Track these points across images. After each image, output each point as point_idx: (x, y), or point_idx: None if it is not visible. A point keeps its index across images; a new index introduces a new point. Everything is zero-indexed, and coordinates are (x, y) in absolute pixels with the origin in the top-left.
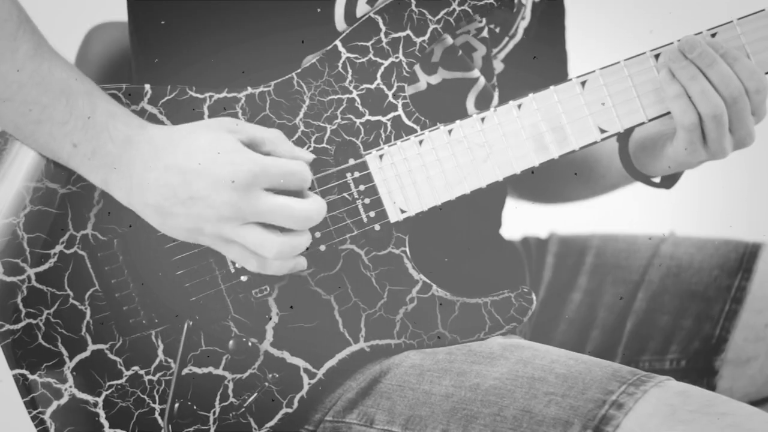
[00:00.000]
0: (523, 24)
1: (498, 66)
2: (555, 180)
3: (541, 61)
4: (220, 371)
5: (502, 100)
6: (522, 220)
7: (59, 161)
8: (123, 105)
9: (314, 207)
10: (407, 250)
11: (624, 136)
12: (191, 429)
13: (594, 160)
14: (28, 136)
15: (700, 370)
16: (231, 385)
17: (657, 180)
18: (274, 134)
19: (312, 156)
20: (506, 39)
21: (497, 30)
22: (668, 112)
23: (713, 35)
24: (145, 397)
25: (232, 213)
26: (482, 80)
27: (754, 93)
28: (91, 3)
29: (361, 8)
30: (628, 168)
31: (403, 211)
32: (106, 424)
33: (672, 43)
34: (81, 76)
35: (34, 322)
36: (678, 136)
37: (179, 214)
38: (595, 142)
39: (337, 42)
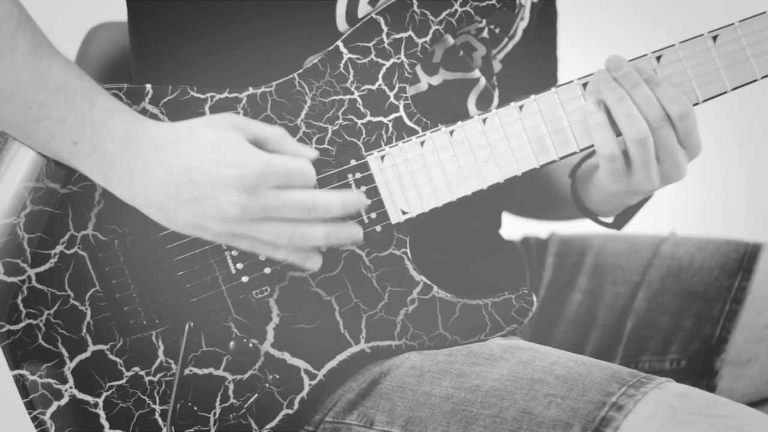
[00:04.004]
0: (522, 25)
1: (496, 66)
2: (533, 201)
3: (539, 61)
4: (220, 372)
5: (501, 101)
6: (522, 220)
7: (61, 160)
8: (124, 104)
9: (320, 196)
10: (408, 251)
11: (573, 174)
12: (192, 430)
13: (554, 193)
14: (30, 136)
15: (700, 370)
16: (232, 386)
17: (607, 220)
18: (279, 132)
19: (316, 153)
20: (506, 40)
21: (497, 31)
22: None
23: (715, 38)
24: (145, 397)
25: (239, 212)
26: (483, 81)
27: (677, 119)
28: (91, 3)
29: (363, 9)
30: (578, 205)
31: (404, 213)
32: (106, 424)
33: (673, 44)
34: (80, 73)
35: (34, 322)
36: (600, 167)
37: (183, 212)
38: None
39: (339, 42)
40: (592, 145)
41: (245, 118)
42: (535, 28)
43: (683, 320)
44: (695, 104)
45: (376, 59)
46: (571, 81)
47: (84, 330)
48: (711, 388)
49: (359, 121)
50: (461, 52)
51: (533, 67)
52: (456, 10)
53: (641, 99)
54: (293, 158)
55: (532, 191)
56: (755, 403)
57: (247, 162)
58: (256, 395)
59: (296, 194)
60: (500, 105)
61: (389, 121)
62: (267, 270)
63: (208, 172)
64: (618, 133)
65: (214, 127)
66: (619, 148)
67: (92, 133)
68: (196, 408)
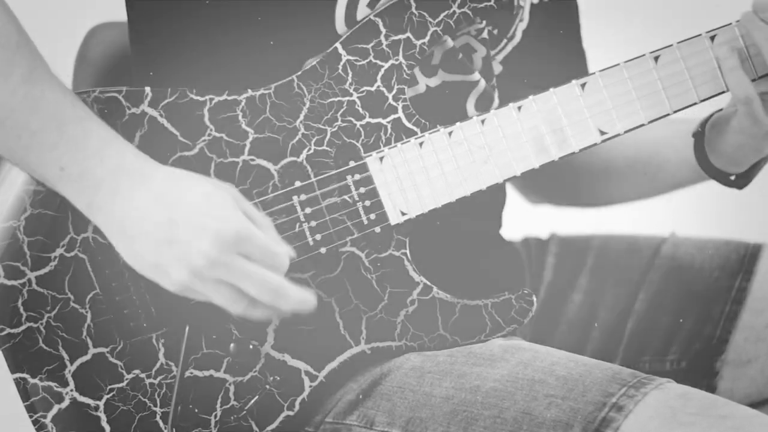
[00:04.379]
0: (521, 26)
1: (496, 68)
2: (613, 183)
3: (540, 63)
4: (221, 374)
5: (501, 102)
6: (522, 220)
7: (47, 185)
8: (123, 120)
9: (284, 284)
10: (408, 252)
11: (699, 133)
12: None
13: (663, 159)
14: (19, 160)
15: (701, 370)
16: (232, 388)
17: (732, 178)
18: (267, 221)
19: (294, 254)
20: (504, 41)
21: (495, 32)
22: (666, 114)
23: (712, 38)
24: (146, 400)
25: (204, 264)
26: (483, 83)
27: None
28: (91, 3)
29: (362, 11)
30: (702, 164)
31: (403, 214)
32: (107, 427)
33: (671, 45)
34: (75, 101)
35: (34, 325)
36: (738, 111)
37: (151, 251)
38: (595, 144)
39: (338, 44)
40: (592, 146)
41: (242, 195)
42: (541, 30)
43: (683, 321)
44: (694, 104)
45: (374, 61)
46: (571, 82)
47: (84, 333)
48: (711, 389)
49: (358, 123)
50: (460, 55)
51: (537, 70)
52: (454, 12)
53: None
54: (273, 241)
55: (615, 169)
56: (756, 404)
57: (230, 220)
58: (257, 397)
59: (264, 271)
60: (499, 106)
61: (388, 122)
62: None
63: (189, 218)
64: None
65: (212, 184)
66: (753, 90)
67: (83, 159)
68: (196, 410)
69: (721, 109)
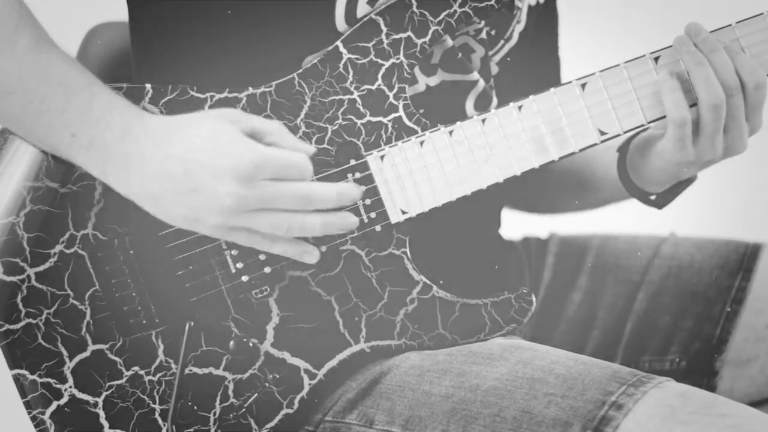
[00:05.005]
0: (518, 27)
1: (493, 69)
2: (550, 192)
3: (536, 64)
4: (220, 372)
5: (499, 103)
6: (522, 220)
7: (58, 153)
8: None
9: (316, 187)
10: (408, 251)
11: (624, 147)
12: (191, 429)
13: (590, 172)
14: (29, 130)
15: (701, 370)
16: (231, 386)
17: (651, 197)
18: (276, 126)
19: (314, 149)
20: (501, 42)
21: (492, 33)
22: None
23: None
24: (145, 397)
25: (235, 203)
26: (481, 83)
27: (752, 89)
28: (91, 3)
29: (362, 9)
30: (623, 180)
31: (403, 212)
32: (106, 424)
33: (671, 46)
34: (80, 68)
35: (33, 321)
36: (668, 133)
37: (179, 204)
38: (595, 144)
39: (339, 43)
40: (592, 146)
41: (242, 112)
42: (536, 31)
43: (683, 320)
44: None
45: (375, 59)
46: (570, 81)
47: (83, 329)
48: (711, 388)
49: (359, 121)
50: (460, 54)
51: (534, 71)
52: (455, 11)
53: (719, 64)
54: (289, 152)
55: (551, 178)
56: (756, 403)
57: (243, 153)
58: (256, 395)
59: (292, 185)
60: (499, 106)
61: (389, 121)
62: (267, 269)
63: (204, 163)
64: (690, 103)
65: (211, 120)
66: (690, 114)
67: (90, 126)
68: (196, 407)
69: (648, 127)
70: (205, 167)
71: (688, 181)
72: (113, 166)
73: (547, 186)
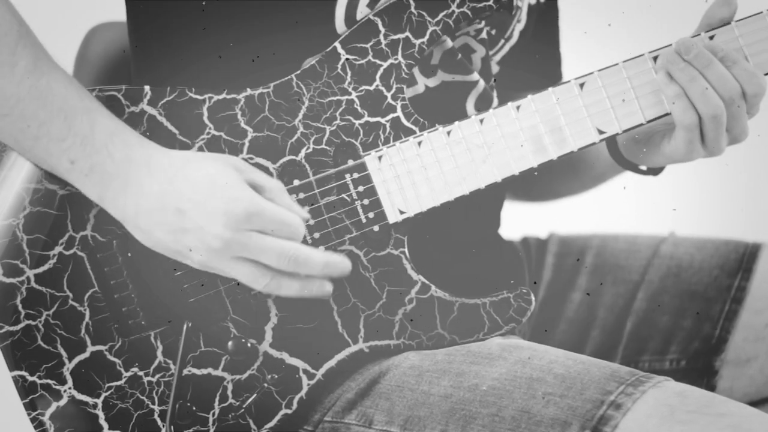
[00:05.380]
0: (518, 26)
1: (494, 68)
2: (544, 176)
3: (537, 62)
4: (219, 372)
5: (499, 102)
6: (522, 220)
7: (56, 174)
8: (122, 118)
9: (303, 249)
10: (406, 250)
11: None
12: (190, 430)
13: (581, 152)
14: (27, 150)
15: (700, 370)
16: (230, 386)
17: (644, 168)
18: (276, 185)
19: (308, 216)
20: (502, 41)
21: (492, 32)
22: (666, 114)
23: (711, 38)
24: (144, 398)
25: (220, 247)
26: (482, 83)
27: (751, 96)
28: (91, 3)
29: (362, 11)
30: (615, 156)
31: (402, 212)
32: (105, 425)
33: (670, 45)
34: (80, 90)
35: (33, 323)
36: (678, 136)
37: (168, 240)
38: (594, 143)
39: (337, 44)
40: (590, 145)
41: (247, 164)
42: (537, 29)
43: (683, 320)
44: None
45: (373, 60)
46: (569, 81)
47: (83, 331)
48: (711, 388)
49: (357, 122)
50: (459, 55)
51: (536, 68)
52: (453, 11)
53: (715, 77)
54: (285, 210)
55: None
56: (755, 403)
57: (238, 199)
58: (255, 395)
59: (280, 243)
60: (498, 106)
61: (387, 121)
62: None
63: (198, 204)
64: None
65: (215, 163)
66: (698, 117)
67: (92, 153)
68: (194, 408)
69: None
70: (198, 208)
71: None
72: (111, 194)
73: (542, 171)
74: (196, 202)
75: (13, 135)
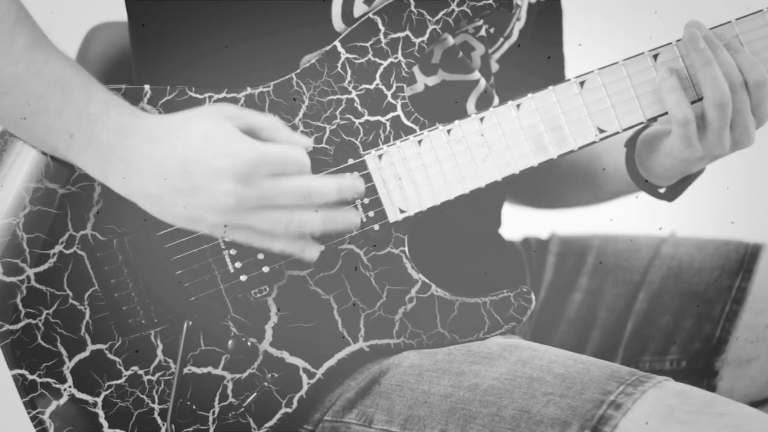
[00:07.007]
0: (518, 25)
1: (493, 67)
2: (556, 186)
3: (537, 61)
4: (219, 371)
5: (500, 101)
6: (523, 220)
7: (57, 155)
8: (120, 97)
9: (315, 182)
10: (406, 249)
11: (632, 142)
12: (190, 429)
13: (598, 166)
14: (27, 130)
15: (701, 370)
16: (230, 385)
17: (661, 190)
18: (272, 120)
19: (310, 141)
20: (501, 40)
21: (492, 31)
22: (666, 112)
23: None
24: (144, 397)
25: (234, 202)
26: (482, 82)
27: (753, 86)
28: (91, 3)
29: (359, 8)
30: (633, 175)
31: (402, 211)
32: (105, 424)
33: (670, 43)
34: (77, 67)
35: (33, 322)
36: (672, 132)
37: (179, 203)
38: (594, 142)
39: (336, 42)
40: (590, 144)
41: (238, 108)
42: (539, 28)
43: (684, 321)
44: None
45: (373, 59)
46: (569, 79)
47: (83, 329)
48: (711, 389)
49: (357, 121)
50: (460, 53)
51: (534, 68)
52: (453, 10)
53: (722, 62)
54: (287, 146)
55: (556, 173)
56: (756, 403)
57: (240, 152)
58: (255, 394)
59: (291, 181)
60: (498, 105)
61: (387, 120)
62: (265, 269)
63: (202, 163)
64: (691, 99)
65: (207, 118)
66: (692, 112)
67: (88, 126)
68: (194, 407)
69: (654, 119)
70: (204, 167)
71: (697, 173)
72: (112, 167)
73: (552, 181)
74: (199, 162)
75: (13, 115)
